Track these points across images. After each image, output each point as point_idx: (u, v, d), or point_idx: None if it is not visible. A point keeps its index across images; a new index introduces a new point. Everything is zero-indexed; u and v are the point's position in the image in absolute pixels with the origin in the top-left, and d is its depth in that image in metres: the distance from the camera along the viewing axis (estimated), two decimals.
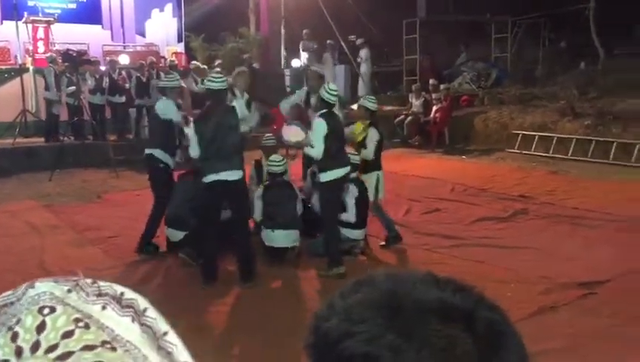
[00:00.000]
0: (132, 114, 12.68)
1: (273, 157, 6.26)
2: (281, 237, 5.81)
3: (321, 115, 5.49)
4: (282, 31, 16.50)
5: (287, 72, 16.35)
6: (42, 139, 11.74)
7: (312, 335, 0.62)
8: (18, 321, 0.50)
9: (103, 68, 12.56)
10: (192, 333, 4.10)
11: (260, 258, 5.79)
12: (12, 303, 0.53)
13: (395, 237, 6.34)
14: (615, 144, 10.99)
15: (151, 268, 5.75)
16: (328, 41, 15.76)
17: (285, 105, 7.10)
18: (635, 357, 3.84)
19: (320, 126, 5.43)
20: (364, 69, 15.68)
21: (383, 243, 6.36)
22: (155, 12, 16.67)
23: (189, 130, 5.50)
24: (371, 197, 6.25)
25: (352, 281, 0.65)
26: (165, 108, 6.14)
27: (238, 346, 4.35)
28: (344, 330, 0.58)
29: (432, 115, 13.27)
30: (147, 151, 6.26)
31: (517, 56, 17.02)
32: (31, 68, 12.86)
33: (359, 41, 15.89)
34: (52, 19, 13.41)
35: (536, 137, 12.10)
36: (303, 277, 5.66)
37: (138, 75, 12.39)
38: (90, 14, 15.65)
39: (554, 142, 11.86)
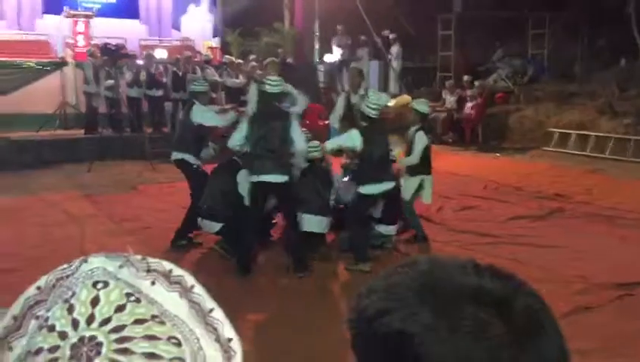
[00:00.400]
0: (168, 107, 12.86)
1: (311, 143, 6.22)
2: (312, 223, 5.80)
3: (359, 130, 5.58)
4: (316, 26, 16.51)
5: (320, 67, 16.37)
6: (82, 131, 12.00)
7: (353, 311, 0.65)
8: (73, 294, 0.52)
9: (140, 62, 12.76)
10: None
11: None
12: (67, 276, 0.55)
13: (423, 238, 6.31)
14: None
15: (184, 258, 5.84)
16: (362, 37, 15.72)
17: (334, 121, 7.09)
18: None
19: (355, 138, 5.53)
20: (395, 65, 15.60)
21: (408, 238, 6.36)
22: (192, 7, 16.81)
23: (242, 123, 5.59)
24: (407, 197, 6.23)
25: (395, 264, 0.68)
26: (202, 115, 6.14)
27: (265, 336, 4.40)
28: (381, 307, 0.61)
29: (465, 112, 13.15)
30: (177, 155, 6.32)
31: (554, 53, 16.72)
32: (71, 61, 13.14)
33: (392, 36, 15.81)
34: (91, 13, 13.66)
35: (573, 135, 11.91)
36: (332, 271, 5.68)
37: (174, 69, 12.55)
38: (128, 9, 15.88)
39: (591, 140, 11.64)
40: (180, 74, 12.52)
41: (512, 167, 10.63)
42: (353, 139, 5.59)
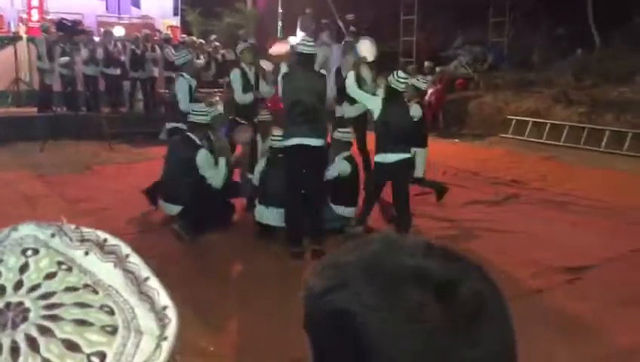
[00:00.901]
0: (126, 86, 12.59)
1: (276, 131, 6.19)
2: (275, 216, 5.80)
3: (382, 100, 5.69)
4: (279, 7, 16.36)
5: None
6: (35, 109, 11.65)
7: (305, 288, 0.65)
8: (1, 261, 0.51)
9: (97, 39, 12.42)
10: (182, 305, 4.14)
11: (249, 234, 5.84)
12: None
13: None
14: (608, 132, 11.06)
15: (143, 240, 5.75)
16: (323, 21, 15.65)
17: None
18: (620, 343, 3.91)
19: (377, 104, 5.66)
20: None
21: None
22: None
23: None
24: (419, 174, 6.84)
25: (351, 242, 0.67)
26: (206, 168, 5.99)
27: (229, 318, 4.39)
28: (328, 285, 0.62)
29: (426, 98, 13.25)
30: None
31: (514, 41, 16.96)
32: (24, 36, 12.71)
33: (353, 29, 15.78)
34: None
35: (530, 123, 12.15)
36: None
37: (133, 47, 12.28)
38: None
39: (547, 128, 11.91)
40: (139, 52, 12.26)
41: (471, 153, 10.80)
42: (376, 104, 5.66)
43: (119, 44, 12.33)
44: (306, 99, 5.25)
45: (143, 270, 0.56)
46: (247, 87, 7.12)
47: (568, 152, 10.88)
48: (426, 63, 13.82)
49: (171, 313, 0.54)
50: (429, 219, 6.68)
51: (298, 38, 15.73)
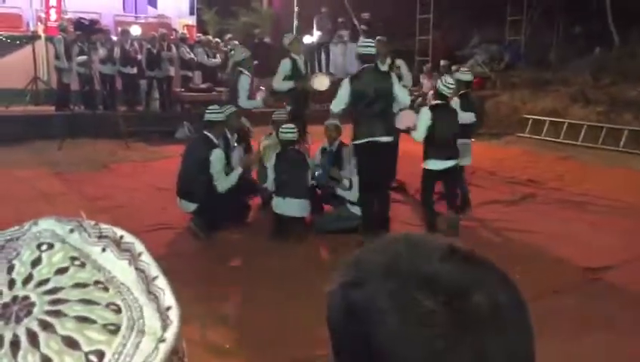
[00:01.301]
0: (142, 85, 12.68)
1: (285, 125, 6.21)
2: (292, 206, 5.80)
3: (429, 107, 6.00)
4: (295, 7, 16.35)
5: None
6: (53, 108, 11.76)
7: (332, 282, 0.66)
8: (17, 255, 0.51)
9: (114, 38, 12.52)
10: (197, 303, 4.16)
11: (265, 233, 5.85)
12: (17, 238, 0.54)
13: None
14: (626, 132, 10.92)
15: (158, 238, 5.78)
16: (340, 20, 15.64)
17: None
18: (639, 343, 3.86)
19: (424, 115, 5.84)
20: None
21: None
22: None
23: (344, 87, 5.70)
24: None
25: (378, 240, 0.68)
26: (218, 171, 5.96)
27: (244, 317, 4.40)
28: (347, 282, 0.63)
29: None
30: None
31: (531, 40, 16.82)
32: (43, 35, 12.84)
33: (364, 27, 15.75)
34: None
35: (547, 122, 12.03)
36: (307, 253, 5.68)
37: (149, 46, 12.36)
38: None
39: (565, 127, 11.79)
40: (155, 52, 12.33)
41: (487, 153, 10.71)
42: (424, 118, 5.81)
43: (136, 44, 12.40)
44: (375, 98, 5.49)
45: (153, 269, 0.56)
46: (297, 75, 7.34)
47: (586, 152, 10.77)
48: (442, 62, 13.75)
49: (174, 314, 0.54)
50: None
51: (315, 36, 15.77)
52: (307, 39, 15.91)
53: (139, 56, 12.29)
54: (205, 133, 6.11)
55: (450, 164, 5.83)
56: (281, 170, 5.87)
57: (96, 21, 12.13)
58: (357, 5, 15.87)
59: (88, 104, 11.58)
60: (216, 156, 5.87)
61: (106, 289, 0.51)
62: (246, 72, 7.22)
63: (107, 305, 0.50)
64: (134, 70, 12.27)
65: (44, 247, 0.52)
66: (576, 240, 5.86)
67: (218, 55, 13.14)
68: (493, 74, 15.07)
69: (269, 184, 6.03)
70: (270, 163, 6.01)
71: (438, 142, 5.76)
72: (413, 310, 0.57)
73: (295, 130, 6.09)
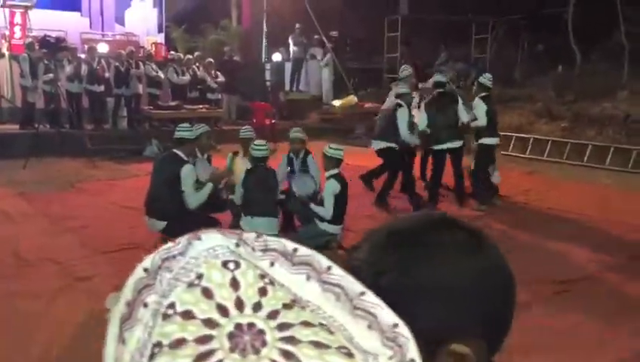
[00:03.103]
0: (109, 103, 12.54)
1: (257, 141, 6.18)
2: (261, 225, 5.76)
3: (481, 98, 7.87)
4: (264, 25, 16.44)
5: (267, 65, 16.31)
6: (17, 126, 11.54)
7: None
8: (200, 276, 0.44)
9: (81, 56, 12.37)
10: None
11: None
12: (174, 256, 0.47)
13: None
14: (590, 147, 11.19)
15: (126, 258, 5.68)
16: (315, 37, 15.78)
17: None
18: (606, 355, 3.91)
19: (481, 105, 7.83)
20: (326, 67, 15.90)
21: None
22: (136, 1, 16.45)
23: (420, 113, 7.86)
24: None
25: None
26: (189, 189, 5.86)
27: None
28: (354, 245, 0.75)
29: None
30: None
31: (496, 57, 17.18)
32: (7, 53, 12.61)
33: (331, 45, 15.97)
34: (30, 4, 13.15)
35: (514, 138, 12.25)
36: None
37: (117, 64, 12.25)
38: (69, 1, 15.41)
39: (530, 143, 12.02)
40: (123, 69, 12.23)
41: None
42: (482, 108, 7.74)
43: (103, 61, 12.28)
44: (447, 115, 7.51)
45: (355, 283, 0.48)
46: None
47: (552, 167, 10.99)
48: (405, 66, 13.86)
49: (405, 331, 0.46)
50: None
51: (291, 51, 15.88)
52: (276, 56, 16.00)
53: (106, 74, 12.16)
54: (175, 150, 6.06)
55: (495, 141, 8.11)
56: (250, 188, 5.84)
57: (62, 39, 12.00)
58: (325, 23, 16.03)
59: (53, 122, 11.39)
60: (187, 172, 5.77)
61: (303, 308, 0.44)
62: (405, 105, 7.81)
63: (320, 325, 0.43)
64: (101, 88, 12.12)
65: (231, 266, 0.45)
66: (545, 253, 5.95)
67: (187, 73, 13.08)
68: (460, 91, 15.28)
69: (237, 199, 6.00)
70: (240, 179, 5.99)
71: (494, 123, 7.78)
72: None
73: (266, 147, 6.08)
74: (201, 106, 12.81)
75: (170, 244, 0.48)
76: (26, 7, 12.97)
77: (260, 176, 5.90)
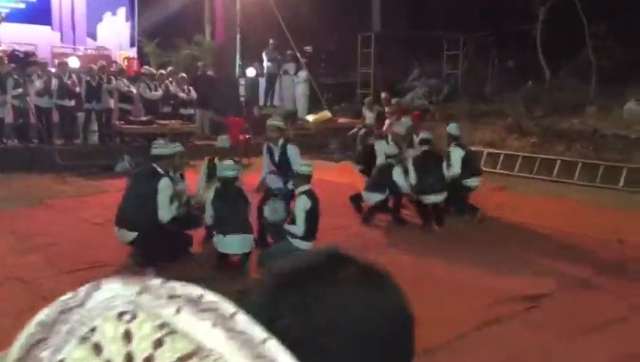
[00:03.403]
0: (80, 118, 12.37)
1: (226, 162, 6.21)
2: (234, 243, 5.73)
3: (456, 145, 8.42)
4: (238, 40, 16.44)
5: (241, 80, 16.30)
6: None
7: None
8: (93, 329, 0.43)
9: (52, 70, 12.21)
10: None
11: (210, 263, 5.77)
12: (71, 308, 0.45)
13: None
14: (559, 162, 11.38)
15: (94, 277, 5.54)
16: (288, 52, 15.84)
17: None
18: None
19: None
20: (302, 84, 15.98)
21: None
22: (107, 15, 16.32)
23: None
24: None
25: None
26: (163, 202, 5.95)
27: None
28: (250, 289, 0.74)
29: (384, 128, 13.42)
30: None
31: (467, 73, 17.44)
32: None
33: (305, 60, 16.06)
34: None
35: (485, 153, 12.40)
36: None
37: (88, 78, 12.11)
38: (39, 15, 15.20)
39: (501, 158, 12.17)
40: (94, 84, 12.10)
41: None
42: (458, 154, 8.22)
43: (74, 76, 12.14)
44: (433, 171, 7.90)
45: (258, 331, 0.47)
46: None
47: (522, 182, 11.12)
48: (383, 94, 14.02)
49: None
50: (383, 245, 6.69)
51: (265, 66, 15.89)
52: (250, 71, 16.00)
53: (77, 89, 12.01)
54: (153, 165, 6.08)
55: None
56: (220, 207, 5.82)
57: (32, 53, 11.85)
58: (300, 38, 16.11)
59: (22, 137, 11.20)
60: (164, 185, 5.84)
61: (206, 357, 0.43)
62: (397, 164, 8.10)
63: None
64: (72, 103, 11.96)
65: (126, 317, 0.43)
66: (515, 269, 6.00)
67: (160, 88, 12.98)
68: (433, 106, 15.48)
69: (207, 219, 5.98)
70: (209, 198, 5.97)
71: (473, 164, 8.34)
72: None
73: (235, 168, 6.10)
74: (173, 121, 12.72)
75: (68, 295, 0.47)
76: None
77: (229, 195, 5.89)
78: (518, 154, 12.03)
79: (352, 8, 18.20)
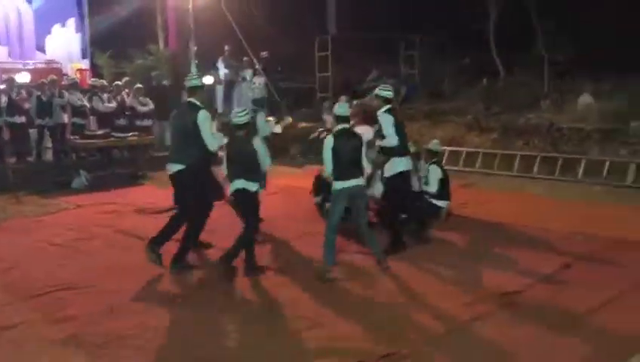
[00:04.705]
0: (32, 135, 11.95)
1: (238, 108, 6.44)
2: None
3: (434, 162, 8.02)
4: (192, 47, 16.18)
5: None
6: None
7: None
8: None
9: (1, 87, 11.76)
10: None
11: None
12: None
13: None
14: (518, 157, 11.55)
15: (54, 302, 5.30)
16: (245, 58, 15.66)
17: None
18: None
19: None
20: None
21: None
22: (57, 27, 15.83)
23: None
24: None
25: None
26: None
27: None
28: None
29: None
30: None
31: (425, 73, 17.58)
32: None
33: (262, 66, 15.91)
34: None
35: (447, 151, 12.49)
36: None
37: (39, 93, 11.71)
38: None
39: (463, 155, 12.28)
40: (45, 99, 11.70)
41: None
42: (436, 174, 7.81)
43: (24, 91, 11.71)
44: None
45: None
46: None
47: (484, 178, 11.24)
48: (343, 97, 13.96)
49: None
50: (353, 252, 6.61)
51: (221, 74, 15.62)
52: (207, 79, 15.75)
53: (27, 105, 11.59)
54: (189, 99, 6.22)
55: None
56: (230, 157, 6.02)
57: None
58: (256, 44, 15.96)
59: None
60: (203, 116, 5.99)
61: None
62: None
63: None
64: (23, 119, 11.52)
65: None
66: (488, 266, 6.02)
67: (114, 100, 12.64)
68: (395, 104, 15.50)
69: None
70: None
71: (447, 189, 7.93)
72: None
73: (245, 113, 6.14)
74: (130, 134, 12.42)
75: None
76: None
77: (239, 144, 6.02)
78: (479, 150, 12.16)
79: (307, 12, 18.16)
